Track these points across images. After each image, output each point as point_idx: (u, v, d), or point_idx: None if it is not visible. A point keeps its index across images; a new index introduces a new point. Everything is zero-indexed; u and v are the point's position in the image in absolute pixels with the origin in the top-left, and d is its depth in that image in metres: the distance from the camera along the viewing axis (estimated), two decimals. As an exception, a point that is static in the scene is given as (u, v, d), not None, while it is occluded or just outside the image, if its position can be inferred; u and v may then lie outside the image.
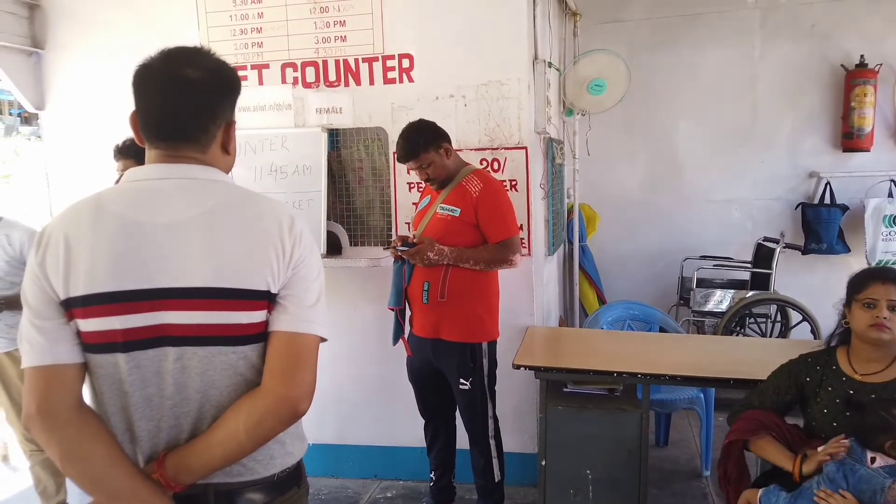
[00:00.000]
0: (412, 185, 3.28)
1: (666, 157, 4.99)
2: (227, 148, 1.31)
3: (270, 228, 1.20)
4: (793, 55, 4.71)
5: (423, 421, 3.04)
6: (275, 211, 1.24)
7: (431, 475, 3.07)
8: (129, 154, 2.62)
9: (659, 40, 4.83)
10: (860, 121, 4.51)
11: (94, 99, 3.55)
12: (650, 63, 4.78)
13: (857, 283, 2.03)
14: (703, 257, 4.67)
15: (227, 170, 1.32)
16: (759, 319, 4.46)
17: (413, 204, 3.27)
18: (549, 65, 3.41)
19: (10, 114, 18.77)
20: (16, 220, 2.95)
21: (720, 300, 4.46)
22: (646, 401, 2.62)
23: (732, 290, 4.46)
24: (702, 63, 4.84)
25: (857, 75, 4.51)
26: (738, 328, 4.38)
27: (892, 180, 4.56)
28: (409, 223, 3.28)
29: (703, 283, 4.53)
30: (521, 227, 2.97)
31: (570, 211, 4.41)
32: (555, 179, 3.73)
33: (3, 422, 3.69)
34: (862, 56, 4.51)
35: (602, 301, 4.60)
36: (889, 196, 4.54)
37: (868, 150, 4.57)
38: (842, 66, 4.58)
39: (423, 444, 3.09)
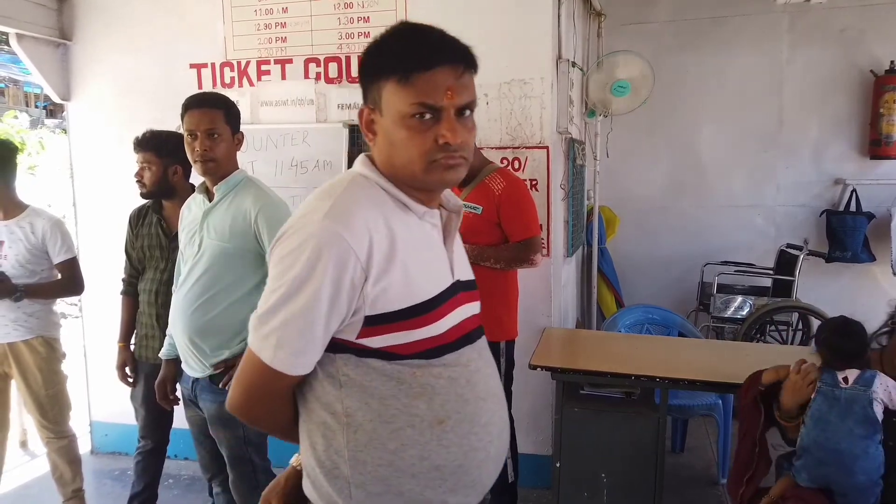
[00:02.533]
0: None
1: (688, 160, 4.94)
2: None
3: None
4: (821, 60, 4.63)
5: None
6: None
7: None
8: (149, 147, 2.63)
9: (684, 43, 4.78)
10: (889, 127, 4.43)
11: (121, 91, 3.58)
12: (675, 65, 4.74)
13: None
14: (724, 263, 4.61)
15: None
16: (780, 327, 4.39)
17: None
18: (573, 65, 3.38)
19: (36, 106, 19.11)
20: (42, 208, 2.98)
21: (741, 306, 4.39)
22: (663, 405, 2.59)
23: (753, 297, 4.39)
24: (727, 66, 4.78)
25: (886, 81, 4.43)
26: (759, 335, 4.32)
27: (920, 189, 4.48)
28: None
29: (723, 288, 4.47)
30: (540, 227, 2.95)
31: (590, 213, 4.38)
32: (575, 180, 3.70)
33: (22, 409, 3.75)
34: (892, 62, 4.43)
35: (620, 305, 4.56)
36: (918, 205, 4.45)
37: (895, 158, 4.49)
38: (871, 71, 4.50)
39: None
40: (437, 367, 1.14)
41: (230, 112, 2.26)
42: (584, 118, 4.09)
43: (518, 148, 3.15)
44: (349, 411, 1.12)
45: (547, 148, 3.12)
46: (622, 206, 4.78)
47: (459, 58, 1.15)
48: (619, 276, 4.69)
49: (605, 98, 3.95)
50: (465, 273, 1.27)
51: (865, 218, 4.49)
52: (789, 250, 4.47)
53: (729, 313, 4.40)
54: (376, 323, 1.10)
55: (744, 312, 4.36)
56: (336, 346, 1.12)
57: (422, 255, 1.16)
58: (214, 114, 2.20)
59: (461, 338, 1.19)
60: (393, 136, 1.13)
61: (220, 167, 2.22)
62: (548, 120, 3.12)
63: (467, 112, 1.14)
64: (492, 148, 3.11)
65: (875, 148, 4.52)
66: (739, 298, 4.42)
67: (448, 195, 1.28)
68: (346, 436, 1.12)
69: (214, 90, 3.30)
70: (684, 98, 4.84)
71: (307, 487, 1.21)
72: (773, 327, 4.36)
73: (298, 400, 1.20)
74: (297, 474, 1.31)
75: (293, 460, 1.38)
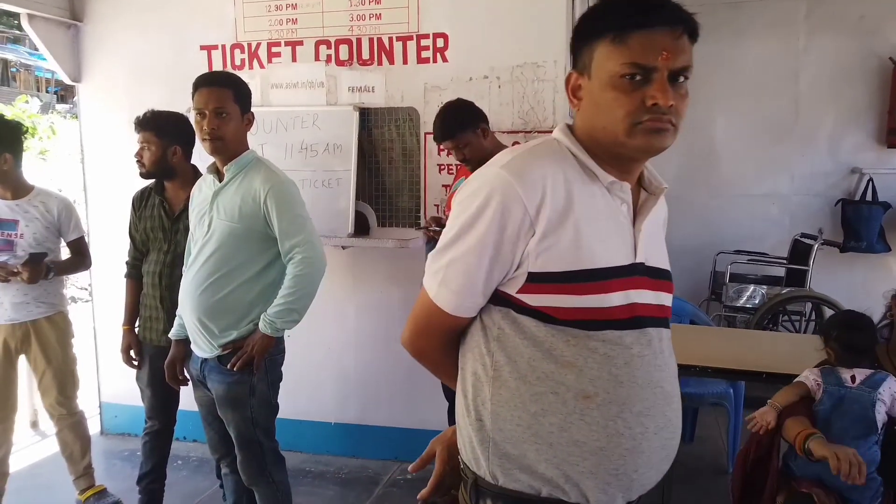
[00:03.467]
0: (442, 167, 3.24)
1: (702, 149, 4.88)
2: None
3: None
4: (838, 47, 4.56)
5: (447, 404, 3.02)
6: None
7: None
8: (149, 126, 2.62)
9: (700, 30, 4.70)
10: (906, 116, 4.36)
11: (131, 73, 3.57)
12: (689, 52, 4.67)
13: None
14: (737, 252, 4.57)
15: None
16: (793, 317, 4.35)
17: (443, 186, 3.25)
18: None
19: (48, 91, 19.19)
20: (48, 189, 3.00)
21: (753, 296, 4.35)
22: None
23: (766, 286, 4.35)
24: (743, 54, 4.72)
25: (904, 69, 4.36)
26: (771, 325, 4.28)
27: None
28: (438, 205, 3.25)
29: (735, 277, 4.43)
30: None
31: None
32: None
33: (33, 390, 3.77)
34: (912, 49, 4.36)
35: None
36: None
37: (914, 147, 4.43)
38: (890, 59, 4.43)
39: (446, 427, 3.07)
40: (594, 340, 1.08)
41: (239, 91, 2.24)
42: (596, 104, 4.04)
43: (530, 132, 3.11)
44: (497, 365, 1.11)
45: (559, 132, 3.08)
46: (634, 194, 4.74)
47: (679, 20, 1.09)
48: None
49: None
50: (656, 260, 1.18)
51: (881, 208, 4.44)
52: (803, 240, 4.42)
53: (741, 302, 4.37)
54: (539, 281, 1.07)
55: (756, 302, 4.32)
56: (497, 298, 1.12)
57: (600, 223, 1.10)
58: (223, 92, 2.18)
59: (630, 319, 1.11)
60: (599, 99, 1.09)
61: (228, 147, 2.20)
62: (561, 104, 3.08)
63: (682, 78, 1.08)
64: (503, 132, 3.07)
65: (892, 137, 4.46)
66: (752, 287, 4.37)
67: (656, 177, 1.22)
68: (492, 388, 1.12)
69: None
70: (698, 85, 4.72)
71: (458, 434, 1.23)
72: (785, 317, 4.32)
73: (460, 347, 1.21)
74: None
75: None
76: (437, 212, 3.21)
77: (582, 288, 1.07)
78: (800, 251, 4.39)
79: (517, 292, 1.09)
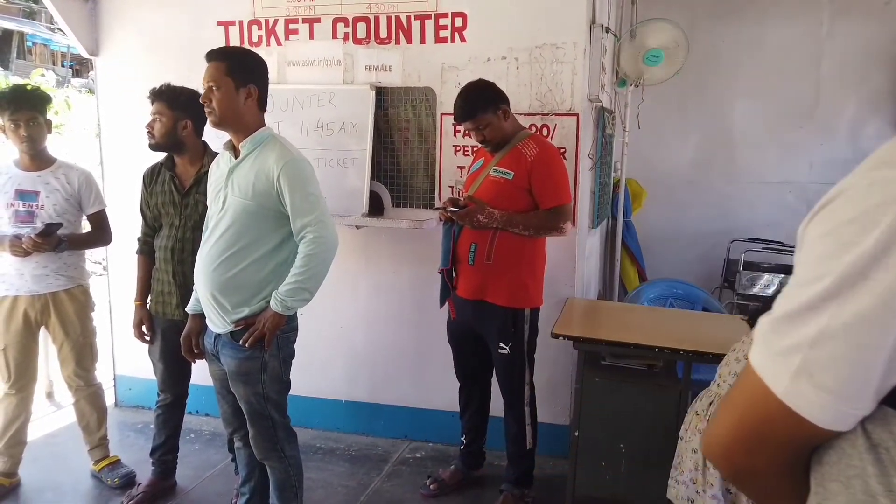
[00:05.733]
0: (458, 148, 3.23)
1: (720, 134, 4.82)
2: None
3: None
4: (863, 33, 4.47)
5: (458, 385, 3.04)
6: None
7: (462, 439, 3.07)
8: (162, 98, 2.65)
9: (721, 12, 4.64)
10: (931, 105, 4.29)
11: (149, 47, 3.57)
12: (710, 35, 4.60)
13: None
14: (752, 240, 4.53)
15: None
16: (805, 306, 4.30)
17: (458, 167, 3.24)
18: (607, 30, 3.30)
19: (63, 66, 19.21)
20: (70, 161, 3.02)
21: (767, 284, 4.33)
22: (686, 379, 2.56)
23: (781, 275, 4.32)
24: (765, 38, 4.63)
25: (931, 56, 4.28)
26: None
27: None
28: (452, 186, 3.24)
29: (750, 266, 4.40)
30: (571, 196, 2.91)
31: (617, 185, 4.31)
32: (604, 151, 3.64)
33: (49, 361, 3.82)
34: (938, 36, 4.27)
35: (643, 279, 4.50)
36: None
37: (936, 137, 4.35)
38: (916, 46, 4.35)
39: (455, 408, 3.10)
40: None
41: (236, 64, 2.21)
42: (614, 87, 4.00)
43: (547, 115, 3.09)
44: None
45: (577, 116, 3.06)
46: (649, 179, 4.70)
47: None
48: (644, 250, 4.63)
49: (636, 67, 3.85)
50: None
51: (900, 198, 4.37)
52: (819, 229, 4.37)
53: (754, 291, 4.34)
54: None
55: (770, 290, 4.29)
56: None
57: None
58: (217, 66, 2.20)
59: None
60: None
61: (221, 120, 2.20)
62: (579, 87, 3.05)
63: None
64: (521, 114, 3.05)
65: (915, 126, 4.38)
66: (766, 276, 4.35)
67: None
68: None
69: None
70: (717, 70, 4.71)
71: None
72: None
73: (813, 470, 0.76)
74: None
75: None
76: (452, 193, 3.20)
77: None
78: (816, 240, 4.34)
79: None
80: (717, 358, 2.53)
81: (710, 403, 2.14)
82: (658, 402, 2.58)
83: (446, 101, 3.13)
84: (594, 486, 2.70)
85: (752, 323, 2.05)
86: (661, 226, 4.85)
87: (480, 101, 2.64)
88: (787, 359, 0.68)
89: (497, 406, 2.93)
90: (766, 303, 1.94)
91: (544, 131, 3.09)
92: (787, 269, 4.39)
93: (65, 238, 2.81)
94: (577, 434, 2.68)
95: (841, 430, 0.69)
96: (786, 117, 4.68)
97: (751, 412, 0.73)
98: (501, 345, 2.73)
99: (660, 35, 3.81)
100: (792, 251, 4.35)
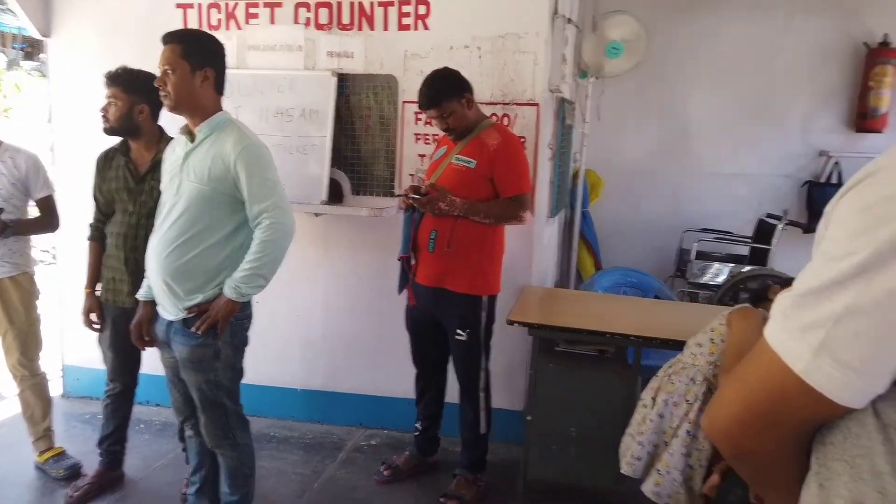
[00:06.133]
0: (419, 137, 3.24)
1: (676, 127, 4.93)
2: None
3: None
4: (816, 29, 4.60)
5: (415, 372, 3.07)
6: None
7: (417, 426, 3.10)
8: (118, 82, 2.58)
9: (681, 6, 4.73)
10: (877, 101, 4.45)
11: (104, 29, 3.48)
12: (669, 29, 4.69)
13: None
14: (704, 230, 4.65)
15: None
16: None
17: (419, 156, 3.24)
18: (569, 21, 3.33)
19: (14, 48, 18.46)
20: (17, 144, 2.93)
21: (717, 273, 4.45)
22: (636, 364, 2.64)
23: (731, 265, 4.45)
24: (722, 32, 4.73)
25: (879, 54, 4.43)
26: (732, 302, 4.38)
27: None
28: (412, 174, 3.24)
29: (701, 255, 4.52)
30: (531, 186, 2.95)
31: (575, 175, 4.37)
32: (563, 141, 3.69)
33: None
34: (886, 35, 4.42)
35: (599, 268, 4.59)
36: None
37: (881, 132, 4.51)
38: (864, 44, 4.49)
39: (411, 396, 3.12)
40: None
41: (190, 46, 2.18)
42: (575, 78, 4.05)
43: (508, 104, 3.12)
44: None
45: (537, 106, 3.10)
46: (607, 170, 4.78)
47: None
48: (600, 239, 4.72)
49: (598, 58, 3.91)
50: None
51: (846, 191, 4.54)
52: (768, 220, 4.51)
53: (705, 279, 4.46)
54: None
55: (720, 279, 4.42)
56: None
57: None
58: (172, 48, 2.17)
59: None
60: None
61: (176, 104, 2.17)
62: (540, 77, 3.08)
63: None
64: (483, 103, 3.06)
65: (861, 121, 4.54)
66: (716, 265, 4.47)
67: None
68: None
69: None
70: (676, 63, 4.80)
71: None
72: (746, 294, 4.42)
73: (815, 450, 0.77)
74: None
75: None
76: (413, 181, 3.21)
77: None
78: (764, 231, 4.48)
79: None
80: (667, 344, 2.61)
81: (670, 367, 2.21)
82: (609, 387, 2.65)
83: (408, 88, 3.13)
84: (546, 470, 2.77)
85: (754, 303, 2.11)
86: (618, 216, 4.94)
87: (445, 89, 2.66)
88: (810, 335, 0.67)
89: (452, 393, 2.97)
90: (782, 283, 2.02)
91: (505, 121, 3.12)
92: (736, 259, 4.53)
93: (11, 223, 2.73)
94: (529, 419, 2.74)
95: (855, 409, 0.69)
96: (741, 111, 4.80)
97: (765, 390, 0.72)
98: (459, 331, 2.77)
99: (621, 27, 3.86)
100: (741, 241, 4.50)
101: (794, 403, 0.71)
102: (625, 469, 2.23)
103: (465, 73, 2.78)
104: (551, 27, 3.10)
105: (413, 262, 2.81)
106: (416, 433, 3.11)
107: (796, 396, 0.69)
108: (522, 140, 3.09)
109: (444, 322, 2.83)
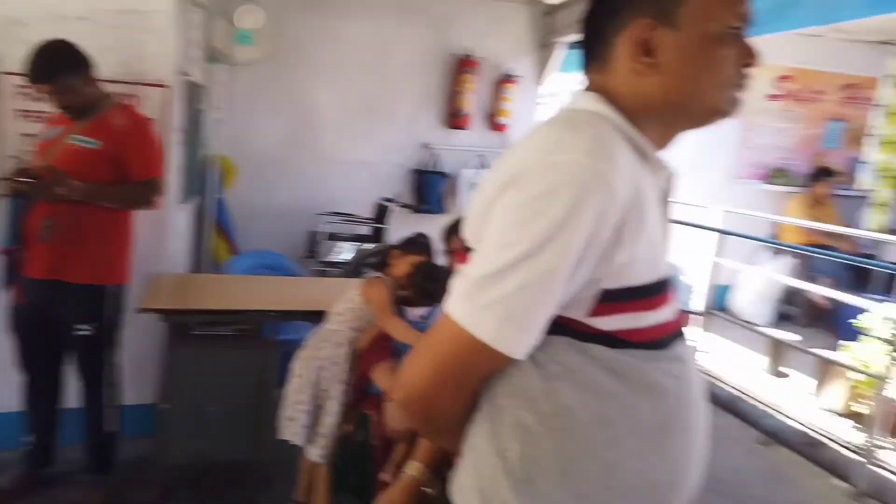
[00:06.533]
0: (20, 113, 2.90)
1: (306, 117, 5.23)
2: None
3: None
4: (419, 39, 5.34)
5: (21, 381, 2.74)
6: None
7: (30, 439, 2.78)
8: None
9: (308, 3, 5.01)
10: (462, 103, 5.39)
11: None
12: (298, 23, 4.94)
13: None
14: (332, 213, 5.08)
15: None
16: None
17: (23, 135, 2.91)
18: (196, 4, 3.32)
19: None
20: None
21: (342, 251, 4.94)
22: (274, 338, 2.82)
23: (357, 244, 4.97)
24: (345, 32, 5.15)
25: (464, 64, 5.36)
26: (360, 275, 4.92)
27: (480, 155, 5.56)
28: (15, 156, 2.88)
29: (332, 236, 4.95)
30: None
31: (208, 161, 4.36)
32: (194, 126, 3.66)
33: None
34: (468, 48, 5.35)
35: (235, 253, 4.67)
36: (478, 168, 5.53)
37: (465, 129, 5.48)
38: (453, 55, 5.39)
39: (10, 409, 2.81)
40: (665, 361, 0.91)
41: None
42: (207, 63, 4.02)
43: (134, 84, 2.99)
44: (560, 411, 0.87)
45: (164, 88, 3.04)
46: (241, 157, 4.87)
47: None
48: (236, 225, 4.80)
49: (228, 45, 3.96)
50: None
51: (443, 177, 5.43)
52: (384, 203, 5.14)
53: (334, 258, 4.91)
54: (614, 299, 0.86)
55: (346, 256, 4.91)
56: (555, 327, 0.87)
57: (657, 218, 0.91)
58: None
59: (679, 329, 0.96)
60: (699, 59, 0.87)
61: None
62: (166, 58, 3.02)
63: None
64: (104, 81, 2.89)
65: (453, 119, 5.46)
66: (344, 244, 4.95)
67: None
68: (554, 441, 0.88)
69: None
70: (305, 57, 5.09)
71: (469, 501, 0.93)
72: (370, 267, 5.00)
73: (484, 396, 0.92)
74: (415, 484, 1.18)
75: (410, 469, 1.23)
76: (19, 164, 2.87)
77: (655, 302, 0.90)
78: (381, 212, 5.11)
79: (586, 316, 0.87)
80: (303, 316, 2.86)
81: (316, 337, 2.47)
82: (245, 365, 2.77)
83: (9, 58, 2.78)
84: (183, 456, 2.77)
85: (379, 270, 2.50)
86: (252, 202, 5.06)
87: (60, 63, 2.44)
88: (492, 309, 0.83)
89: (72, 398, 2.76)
90: (399, 247, 2.49)
91: (134, 102, 2.99)
92: (361, 238, 5.06)
93: None
94: (164, 407, 2.71)
95: (524, 357, 0.87)
96: (361, 105, 5.33)
97: (453, 355, 0.87)
98: (83, 326, 2.59)
99: (251, 17, 3.97)
100: (364, 222, 5.03)
101: (480, 363, 0.87)
102: (289, 437, 2.40)
103: (83, 47, 2.60)
104: (176, 7, 3.05)
105: (18, 254, 2.54)
106: (28, 447, 2.79)
107: (483, 358, 0.86)
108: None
109: (62, 317, 2.60)
